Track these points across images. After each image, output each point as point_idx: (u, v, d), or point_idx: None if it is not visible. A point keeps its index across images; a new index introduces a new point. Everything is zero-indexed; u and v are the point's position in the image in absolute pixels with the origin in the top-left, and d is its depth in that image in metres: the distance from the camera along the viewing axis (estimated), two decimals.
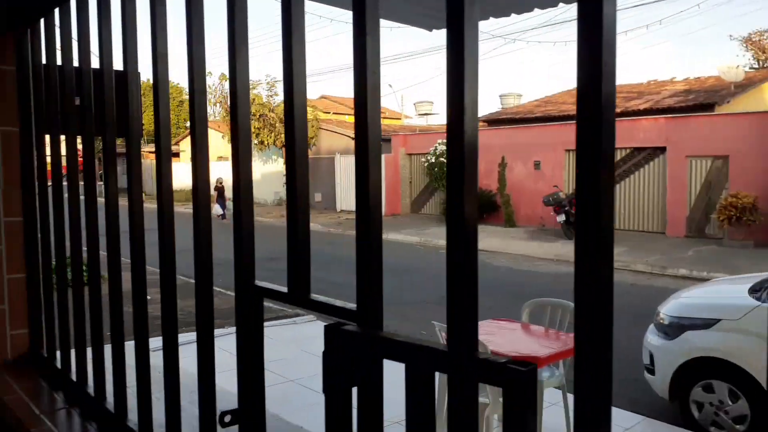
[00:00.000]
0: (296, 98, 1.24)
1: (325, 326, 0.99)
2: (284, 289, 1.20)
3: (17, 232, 2.48)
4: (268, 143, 21.99)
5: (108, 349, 2.04)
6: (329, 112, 29.01)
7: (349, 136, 23.67)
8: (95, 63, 2.01)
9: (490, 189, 18.60)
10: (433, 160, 19.91)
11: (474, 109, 0.90)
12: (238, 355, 1.34)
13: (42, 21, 2.23)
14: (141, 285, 1.79)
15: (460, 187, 0.85)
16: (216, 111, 21.99)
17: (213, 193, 21.30)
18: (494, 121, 21.52)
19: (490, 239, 15.02)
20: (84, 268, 2.18)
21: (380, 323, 0.98)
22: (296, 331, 7.77)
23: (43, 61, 2.32)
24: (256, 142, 21.28)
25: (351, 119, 29.65)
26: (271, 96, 22.10)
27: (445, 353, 0.77)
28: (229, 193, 20.59)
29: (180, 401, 1.69)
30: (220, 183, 22.16)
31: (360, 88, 1.09)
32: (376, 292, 0.97)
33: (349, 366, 0.98)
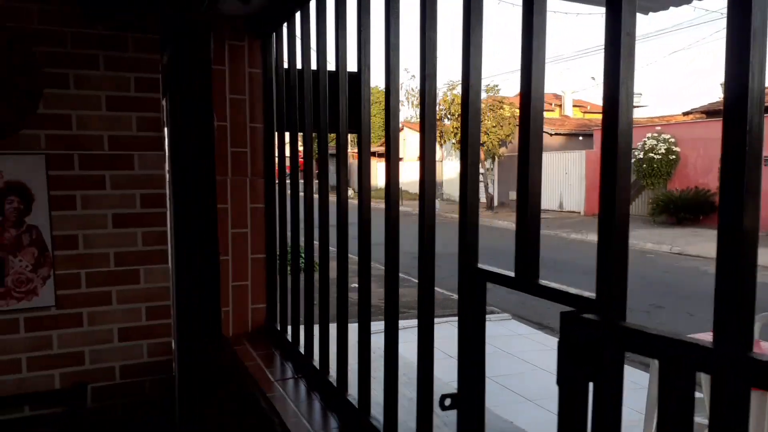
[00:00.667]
0: (471, 102, 1.26)
1: (562, 313, 0.96)
2: (510, 274, 1.20)
3: (260, 217, 2.82)
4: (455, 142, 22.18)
5: (332, 328, 2.23)
6: None
7: (547, 133, 22.87)
8: (329, 65, 2.21)
9: (708, 188, 16.66)
10: (641, 156, 18.40)
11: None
12: (459, 339, 1.37)
13: (285, 26, 2.50)
14: (366, 272, 1.92)
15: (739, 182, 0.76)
16: (417, 113, 22.75)
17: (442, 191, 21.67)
18: (714, 113, 19.22)
19: (702, 244, 13.46)
20: (312, 253, 2.41)
21: (623, 314, 0.93)
22: (490, 330, 7.73)
23: (285, 65, 2.61)
24: (454, 141, 21.58)
25: (550, 115, 28.59)
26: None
27: (711, 350, 0.71)
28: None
29: (398, 381, 1.78)
30: None
31: (525, 81, 1.06)
32: (620, 279, 0.93)
33: (586, 358, 0.95)
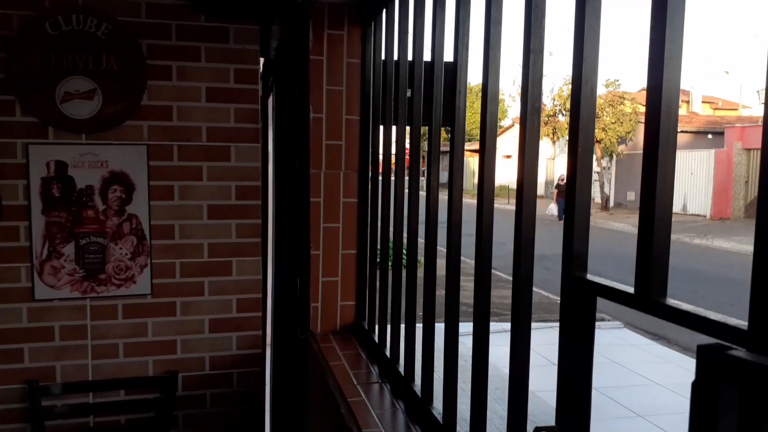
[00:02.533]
0: (583, 95, 1.04)
1: (700, 347, 0.74)
2: (629, 289, 0.97)
3: (352, 212, 2.72)
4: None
5: (419, 330, 2.07)
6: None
7: None
8: (426, 55, 2.05)
9: None
10: None
11: None
12: (560, 363, 1.16)
13: (384, 14, 2.36)
14: (456, 272, 1.75)
15: None
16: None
17: (554, 191, 20.84)
18: None
19: None
20: (404, 252, 2.26)
21: None
22: (599, 338, 7.25)
23: (382, 56, 2.48)
24: (566, 137, 20.67)
25: None
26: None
27: None
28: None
29: (487, 398, 1.59)
30: (563, 180, 20.94)
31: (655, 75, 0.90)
32: None
33: (729, 410, 0.72)
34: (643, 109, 23.88)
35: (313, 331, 2.74)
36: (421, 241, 2.07)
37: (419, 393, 1.93)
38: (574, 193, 1.09)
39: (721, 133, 20.05)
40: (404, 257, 2.29)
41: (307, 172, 2.67)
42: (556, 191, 20.70)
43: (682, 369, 6.72)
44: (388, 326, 2.38)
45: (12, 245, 2.52)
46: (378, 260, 2.56)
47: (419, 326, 2.07)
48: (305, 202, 2.69)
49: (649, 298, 0.93)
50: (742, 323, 0.75)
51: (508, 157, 26.29)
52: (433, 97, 1.92)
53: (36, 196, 2.53)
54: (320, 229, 2.72)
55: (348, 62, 2.69)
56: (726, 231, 16.25)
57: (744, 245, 14.25)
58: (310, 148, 2.66)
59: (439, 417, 1.76)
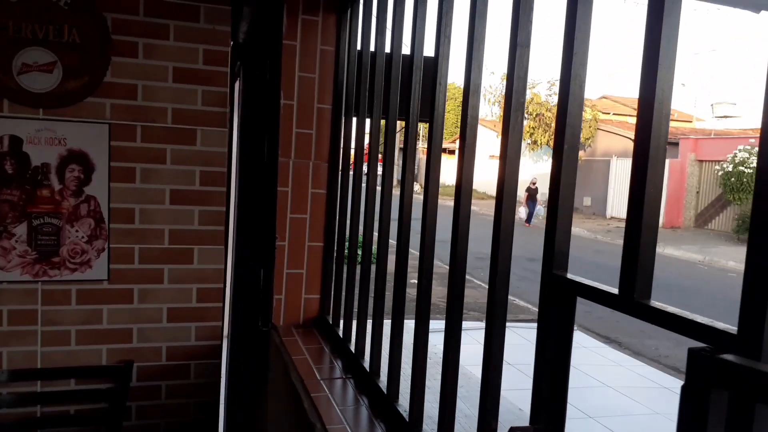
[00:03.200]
0: (571, 94, 1.04)
1: (691, 350, 0.73)
2: (612, 290, 0.96)
3: (321, 203, 2.66)
4: (541, 143, 21.54)
5: (386, 326, 2.04)
6: (609, 113, 27.24)
7: (629, 138, 21.88)
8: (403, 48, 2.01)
9: None
10: (730, 169, 17.26)
11: None
12: (536, 362, 1.15)
13: (361, 1, 2.32)
14: (429, 268, 1.72)
15: None
16: (493, 111, 22.28)
17: (523, 194, 20.28)
18: None
19: None
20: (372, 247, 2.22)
21: None
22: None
23: (358, 45, 2.43)
24: (529, 141, 21.00)
25: (633, 121, 27.37)
26: (550, 95, 21.56)
27: None
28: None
29: (456, 398, 1.57)
30: (534, 184, 20.33)
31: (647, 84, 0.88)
32: None
33: (718, 415, 0.71)
34: (602, 116, 24.45)
35: (276, 324, 2.68)
36: (392, 242, 2.04)
37: (385, 389, 1.90)
38: (557, 192, 1.07)
39: (676, 144, 20.64)
40: (373, 253, 2.26)
41: (275, 161, 2.60)
42: (526, 194, 20.44)
43: (632, 372, 6.89)
44: (354, 321, 2.34)
45: None
46: (345, 254, 2.52)
47: (387, 322, 2.04)
48: (272, 191, 2.62)
49: (634, 300, 0.91)
50: (731, 328, 0.74)
51: (493, 157, 26.51)
52: (411, 91, 1.88)
53: None
54: (287, 219, 2.66)
55: (322, 49, 2.63)
56: (677, 240, 16.74)
57: (692, 254, 14.74)
58: (280, 135, 2.60)
59: (405, 414, 1.74)
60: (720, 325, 0.77)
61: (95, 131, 2.50)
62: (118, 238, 2.58)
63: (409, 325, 1.88)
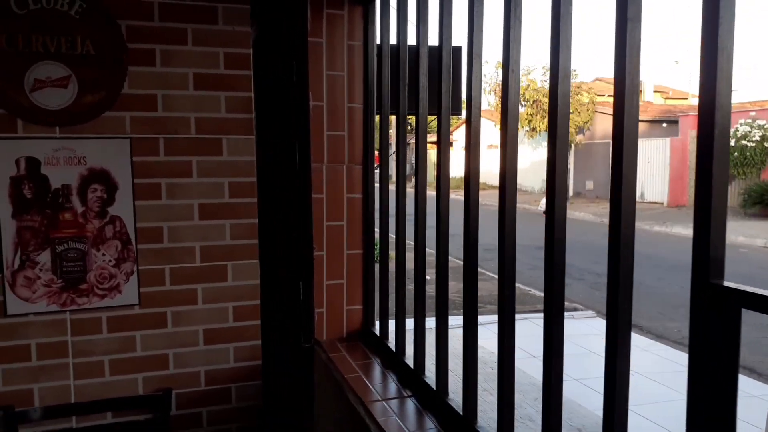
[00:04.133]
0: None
1: None
2: None
3: (357, 208, 2.51)
4: (539, 129, 21.37)
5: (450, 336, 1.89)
6: (604, 95, 27.12)
7: None
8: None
9: None
10: (732, 144, 17.14)
11: None
12: (690, 390, 0.99)
13: None
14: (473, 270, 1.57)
15: None
16: (490, 100, 22.09)
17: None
18: None
19: None
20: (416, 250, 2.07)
21: None
22: (574, 328, 7.23)
23: (391, 38, 2.28)
24: (527, 128, 20.84)
25: None
26: (546, 81, 21.39)
27: None
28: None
29: (513, 396, 1.45)
30: None
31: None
32: None
33: None
34: (599, 99, 24.31)
35: (318, 339, 2.53)
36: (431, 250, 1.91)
37: (460, 410, 1.75)
38: (709, 189, 0.92)
39: (676, 122, 20.49)
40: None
41: (308, 166, 2.45)
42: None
43: (658, 356, 6.76)
44: (408, 332, 2.19)
45: None
46: (389, 260, 2.37)
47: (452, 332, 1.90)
48: (307, 199, 2.47)
49: None
50: None
51: (492, 147, 26.31)
52: (447, 84, 1.75)
53: (5, 197, 2.23)
54: (323, 227, 2.50)
55: (349, 44, 2.47)
56: (683, 218, 16.63)
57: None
58: (311, 139, 2.45)
59: None
60: None
61: (116, 147, 2.34)
62: (147, 260, 2.42)
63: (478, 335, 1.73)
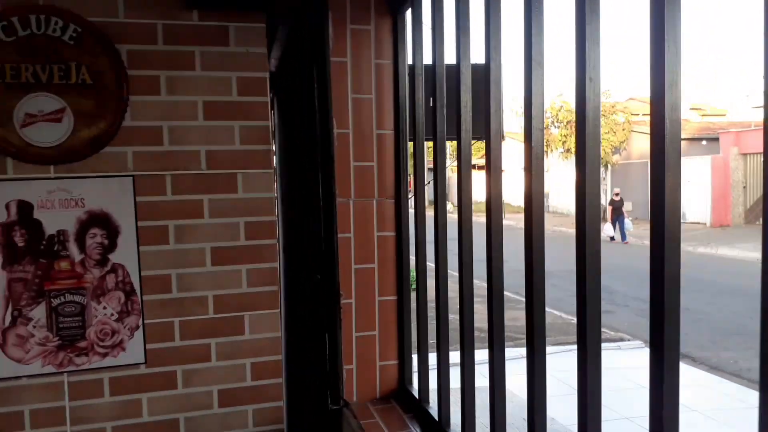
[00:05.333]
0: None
1: None
2: None
3: (389, 248, 2.21)
4: (574, 151, 21.01)
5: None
6: (638, 114, 26.64)
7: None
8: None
9: None
10: None
11: None
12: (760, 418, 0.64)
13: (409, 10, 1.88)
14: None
15: None
16: (521, 123, 21.94)
17: (608, 207, 18.52)
18: None
19: None
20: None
21: None
22: (621, 360, 6.83)
23: (424, 56, 2.00)
24: (562, 150, 20.50)
25: None
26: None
27: None
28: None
29: None
30: (617, 195, 18.44)
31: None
32: None
33: None
34: (634, 119, 23.82)
35: (348, 401, 2.22)
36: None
37: None
38: None
39: (716, 139, 19.92)
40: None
41: (333, 202, 2.17)
42: (610, 208, 18.45)
43: (714, 392, 6.29)
44: (453, 391, 1.86)
45: None
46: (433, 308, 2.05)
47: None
48: (331, 239, 2.18)
49: None
50: None
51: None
52: (490, 107, 1.45)
53: None
54: (351, 271, 2.21)
55: (377, 63, 2.21)
56: (728, 238, 16.03)
57: (749, 252, 13.94)
58: (335, 171, 2.16)
59: None
60: None
61: (117, 187, 2.10)
62: (154, 312, 2.16)
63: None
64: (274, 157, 2.87)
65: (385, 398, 2.24)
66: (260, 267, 2.25)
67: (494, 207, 1.54)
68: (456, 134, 1.74)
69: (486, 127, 1.55)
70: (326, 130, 2.15)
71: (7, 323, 2.04)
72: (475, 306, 1.74)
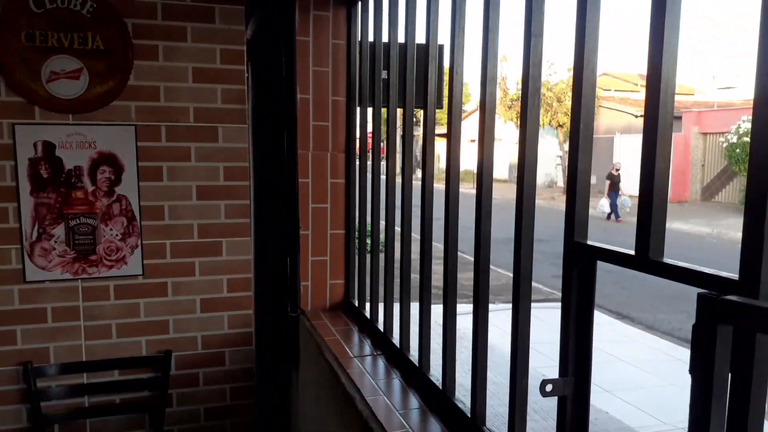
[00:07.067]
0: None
1: (699, 294, 0.84)
2: (629, 252, 1.07)
3: (340, 192, 2.78)
4: (543, 123, 21.53)
5: (412, 308, 2.16)
6: (610, 90, 27.14)
7: (631, 114, 21.86)
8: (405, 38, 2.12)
9: None
10: (734, 140, 17.28)
11: None
12: (562, 323, 1.26)
13: None
14: (454, 251, 1.83)
15: None
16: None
17: (605, 182, 17.51)
18: None
19: None
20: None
21: None
22: (556, 317, 7.46)
23: (369, 37, 2.53)
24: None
25: (635, 97, 27.33)
26: (550, 75, 21.54)
27: None
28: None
29: (486, 364, 1.69)
30: (617, 170, 17.23)
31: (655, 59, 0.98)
32: None
33: (725, 346, 0.82)
34: (604, 94, 24.39)
35: (303, 309, 2.81)
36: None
37: (416, 362, 2.02)
38: (576, 164, 1.19)
39: (679, 118, 20.61)
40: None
41: (295, 153, 2.72)
42: (608, 182, 17.36)
43: (646, 346, 6.99)
44: (381, 303, 2.46)
45: (1, 227, 2.51)
46: (367, 240, 2.64)
47: (413, 305, 2.16)
48: (294, 183, 2.74)
49: (649, 259, 1.03)
50: (733, 275, 0.86)
51: (473, 141, 26.42)
52: (427, 79, 1.97)
53: (24, 177, 2.51)
54: (309, 209, 2.77)
55: (333, 43, 2.73)
56: (684, 213, 16.75)
57: (701, 227, 14.76)
58: (298, 129, 2.71)
59: (438, 383, 1.86)
60: (724, 273, 0.89)
61: (123, 133, 2.62)
62: (150, 235, 2.70)
63: (436, 308, 2.00)
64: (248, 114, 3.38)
65: (334, 307, 2.83)
66: (235, 203, 2.80)
67: (428, 169, 2.04)
68: (401, 104, 2.26)
69: (424, 99, 2.04)
70: (291, 95, 2.69)
71: (34, 238, 2.57)
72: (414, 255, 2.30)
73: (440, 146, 2.34)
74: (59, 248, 2.60)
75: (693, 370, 0.86)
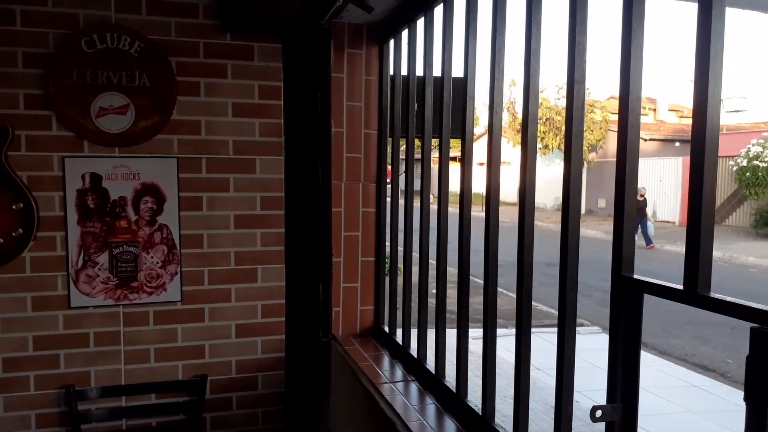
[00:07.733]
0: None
1: (751, 328, 0.93)
2: (677, 286, 1.16)
3: (371, 221, 2.88)
4: (552, 147, 21.69)
5: (448, 334, 2.24)
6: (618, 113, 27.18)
7: (642, 138, 21.97)
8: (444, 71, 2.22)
9: None
10: (744, 164, 17.30)
11: None
12: (610, 353, 1.34)
13: (405, 33, 2.54)
14: (494, 279, 1.91)
15: None
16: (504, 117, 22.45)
17: None
18: None
19: None
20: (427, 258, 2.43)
21: None
22: (580, 343, 7.43)
23: (402, 72, 2.65)
24: (540, 146, 21.11)
25: (644, 120, 27.44)
26: (559, 99, 21.73)
27: None
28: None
29: (528, 393, 1.74)
30: (642, 196, 16.74)
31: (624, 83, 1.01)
32: None
33: None
34: (612, 117, 24.53)
35: (335, 335, 2.89)
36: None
37: (453, 388, 2.09)
38: (623, 202, 1.27)
39: (689, 141, 20.66)
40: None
41: (329, 184, 2.82)
42: None
43: (660, 372, 6.95)
44: (413, 329, 2.54)
45: (49, 255, 2.61)
46: (399, 267, 2.73)
47: (450, 331, 2.24)
48: (328, 212, 2.84)
49: (697, 293, 1.11)
50: None
51: (482, 164, 26.47)
52: (466, 111, 2.05)
53: (72, 207, 2.63)
54: (341, 237, 2.87)
55: (366, 79, 2.85)
56: None
57: (714, 251, 14.68)
58: (332, 160, 2.82)
59: (477, 408, 1.93)
60: None
61: (165, 165, 2.73)
62: (189, 262, 2.80)
63: (471, 333, 2.08)
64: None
65: (364, 334, 2.91)
66: (271, 231, 2.90)
67: (444, 194, 2.16)
68: (437, 135, 2.35)
69: (462, 127, 2.13)
70: (326, 128, 2.81)
71: (79, 265, 2.67)
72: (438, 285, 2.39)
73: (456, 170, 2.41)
74: (103, 275, 2.70)
75: (748, 398, 0.93)
